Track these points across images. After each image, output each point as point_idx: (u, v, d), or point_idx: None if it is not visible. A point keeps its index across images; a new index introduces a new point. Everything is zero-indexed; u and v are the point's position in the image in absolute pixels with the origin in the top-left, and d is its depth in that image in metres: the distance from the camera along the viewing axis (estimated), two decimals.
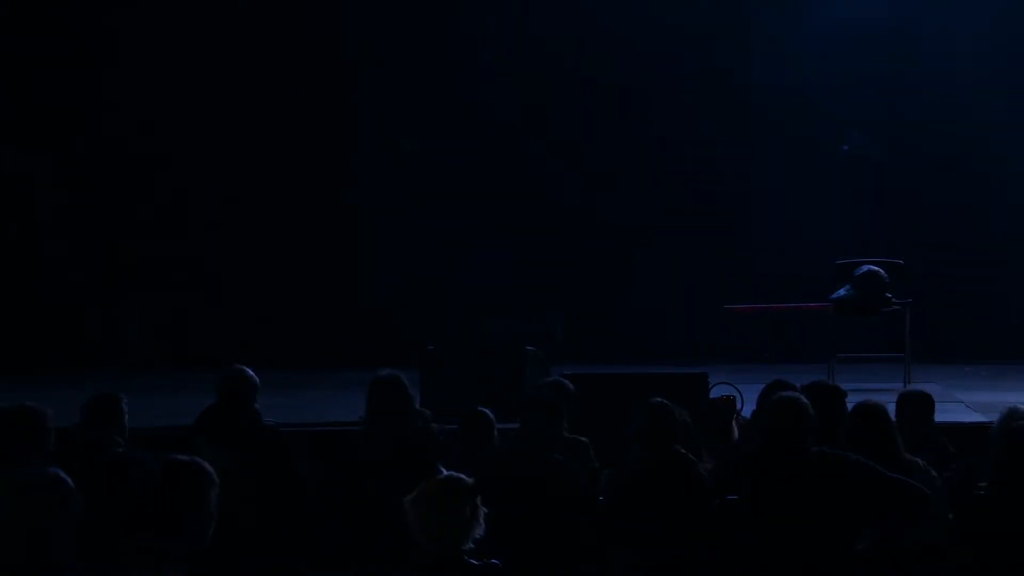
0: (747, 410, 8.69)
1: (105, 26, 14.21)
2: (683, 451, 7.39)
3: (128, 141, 14.25)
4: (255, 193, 14.26)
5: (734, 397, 9.10)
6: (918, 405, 7.87)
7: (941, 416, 7.41)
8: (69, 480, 5.65)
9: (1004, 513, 6.36)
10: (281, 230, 14.29)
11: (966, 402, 10.57)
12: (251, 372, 8.41)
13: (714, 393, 9.56)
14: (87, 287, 14.22)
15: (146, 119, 14.15)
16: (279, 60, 14.28)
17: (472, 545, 5.61)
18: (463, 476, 5.74)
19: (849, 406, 8.15)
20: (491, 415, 8.04)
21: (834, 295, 12.02)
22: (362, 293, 14.31)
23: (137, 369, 13.39)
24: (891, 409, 7.44)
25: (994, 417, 7.69)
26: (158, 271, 14.30)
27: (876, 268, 12.01)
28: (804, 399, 6.90)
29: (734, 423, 8.53)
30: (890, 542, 6.64)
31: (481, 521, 5.64)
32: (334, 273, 14.31)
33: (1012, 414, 7.46)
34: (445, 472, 5.88)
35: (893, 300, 11.94)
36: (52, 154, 14.29)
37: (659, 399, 7.52)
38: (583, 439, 8.02)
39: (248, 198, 14.26)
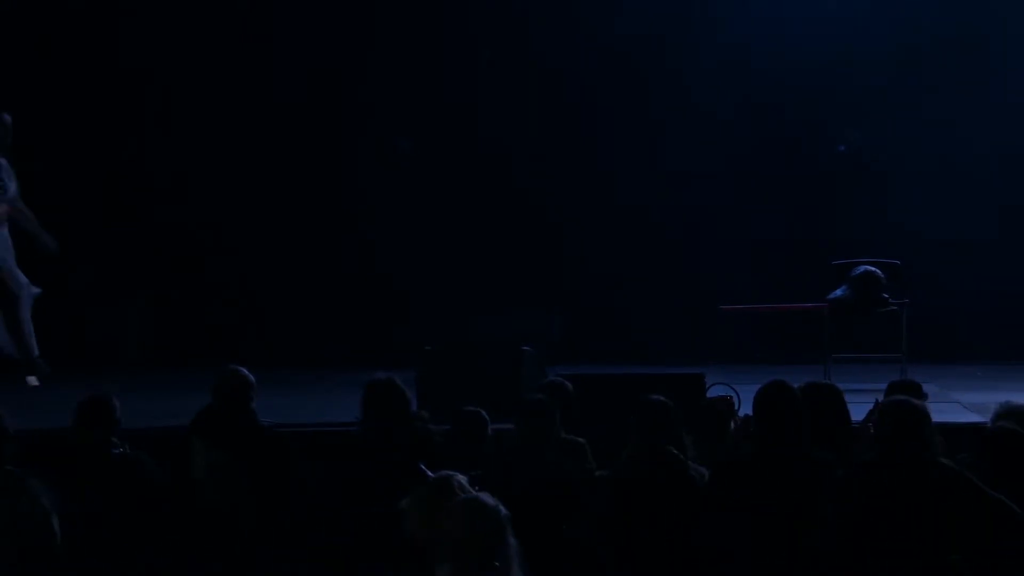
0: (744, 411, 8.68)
1: (103, 21, 14.19)
2: (675, 451, 7.39)
3: (127, 141, 14.24)
4: (252, 193, 14.25)
5: (731, 398, 9.09)
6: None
7: (937, 416, 7.37)
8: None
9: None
10: (278, 230, 14.29)
11: (962, 402, 10.57)
12: (247, 372, 8.40)
13: (711, 393, 9.56)
14: (85, 287, 14.19)
15: (146, 120, 14.14)
16: (274, 60, 14.27)
17: None
18: (458, 475, 5.74)
19: (849, 406, 8.20)
20: (484, 414, 8.04)
21: (831, 295, 12.03)
22: (359, 293, 14.29)
23: (135, 369, 13.38)
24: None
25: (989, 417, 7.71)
26: (155, 271, 14.29)
27: (872, 268, 12.02)
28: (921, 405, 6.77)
29: (731, 424, 8.52)
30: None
31: None
32: (331, 273, 14.30)
33: (1008, 410, 7.48)
34: (438, 473, 5.88)
35: (890, 300, 11.94)
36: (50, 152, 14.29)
37: (656, 396, 7.53)
38: (580, 440, 8.02)
39: (245, 198, 14.24)
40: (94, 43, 14.18)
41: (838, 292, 12.02)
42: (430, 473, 5.94)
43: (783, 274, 13.56)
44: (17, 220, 12.03)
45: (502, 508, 5.21)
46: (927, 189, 13.86)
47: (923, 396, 8.18)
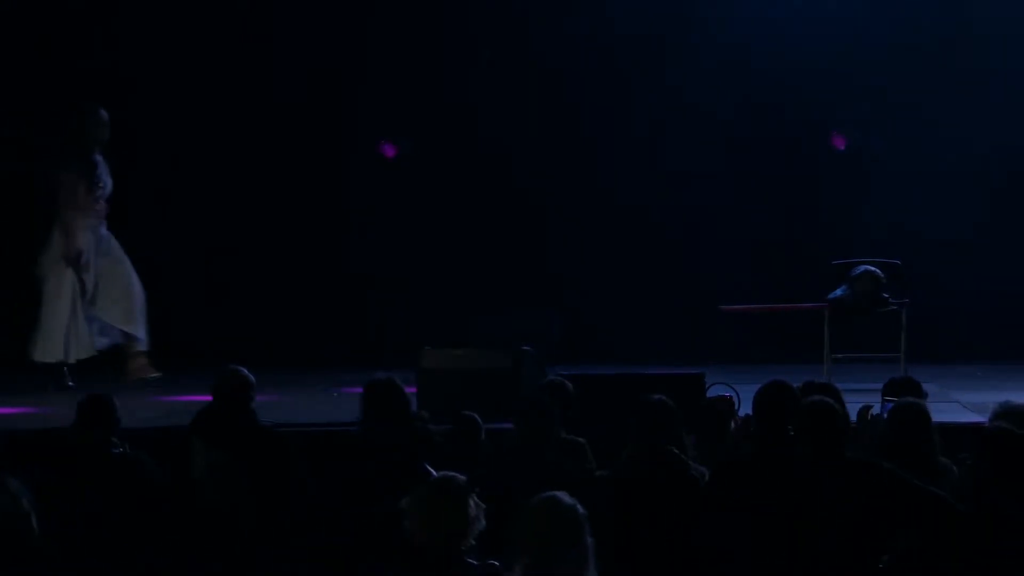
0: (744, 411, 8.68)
1: (102, 21, 14.20)
2: (676, 451, 7.39)
3: (126, 143, 14.23)
4: (251, 192, 14.25)
5: (731, 397, 9.09)
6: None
7: (937, 416, 7.40)
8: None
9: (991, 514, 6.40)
10: (278, 230, 14.29)
11: (962, 402, 10.57)
12: (247, 372, 8.41)
13: (711, 393, 9.56)
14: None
15: (146, 121, 14.14)
16: (275, 60, 14.27)
17: (473, 543, 5.62)
18: (458, 475, 5.75)
19: (848, 406, 8.20)
20: (478, 418, 8.03)
21: (831, 295, 12.04)
22: (359, 292, 14.29)
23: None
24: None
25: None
26: (155, 271, 14.27)
27: (873, 268, 12.02)
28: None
29: (731, 424, 8.52)
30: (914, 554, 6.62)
31: (482, 519, 5.65)
32: (331, 273, 14.30)
33: (1006, 410, 7.49)
34: (438, 473, 5.90)
35: (890, 300, 11.95)
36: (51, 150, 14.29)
37: (657, 396, 7.53)
38: (580, 440, 8.02)
39: (244, 197, 14.24)
40: (92, 42, 14.16)
41: (838, 292, 12.03)
42: (434, 472, 5.95)
43: (783, 274, 13.55)
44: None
45: (579, 507, 5.24)
46: (927, 189, 13.86)
47: (923, 394, 8.20)
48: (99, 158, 11.95)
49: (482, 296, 13.83)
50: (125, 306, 12.11)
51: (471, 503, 5.65)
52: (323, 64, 14.28)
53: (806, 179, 14.14)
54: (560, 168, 14.23)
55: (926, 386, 11.16)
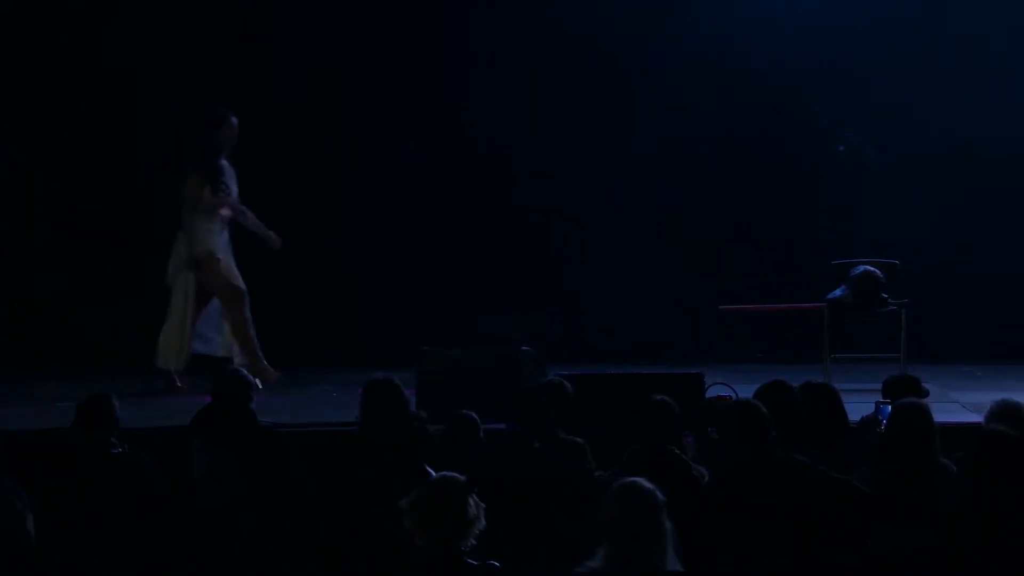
0: None
1: (100, 20, 14.19)
2: (676, 451, 7.39)
3: (129, 143, 14.25)
4: (250, 192, 14.23)
5: (731, 397, 9.10)
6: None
7: (937, 416, 7.40)
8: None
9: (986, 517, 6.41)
10: (277, 230, 14.27)
11: (961, 402, 10.57)
12: (246, 372, 8.43)
13: (710, 393, 9.57)
14: (85, 286, 14.20)
15: (145, 120, 14.15)
16: (266, 61, 14.28)
17: (474, 542, 5.63)
18: (458, 475, 5.75)
19: (848, 406, 8.21)
20: (476, 418, 8.03)
21: (830, 295, 12.04)
22: (359, 292, 14.29)
23: (136, 370, 13.38)
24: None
25: None
26: (155, 271, 14.28)
27: (872, 268, 12.02)
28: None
29: None
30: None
31: (482, 519, 5.66)
32: (331, 273, 14.29)
33: (1003, 407, 7.51)
34: (438, 474, 5.90)
35: (889, 300, 11.95)
36: (51, 153, 14.29)
37: (658, 396, 7.53)
38: (579, 440, 8.02)
39: (243, 196, 14.23)
40: (91, 42, 14.16)
41: (837, 292, 12.04)
42: (433, 472, 5.95)
43: (783, 274, 13.55)
44: (240, 221, 12.03)
45: (659, 493, 5.42)
46: (926, 189, 13.86)
47: (923, 392, 8.21)
48: (225, 163, 11.84)
49: (482, 296, 13.83)
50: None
51: (471, 503, 5.66)
52: (323, 64, 14.27)
53: (806, 179, 14.14)
54: (560, 168, 14.22)
55: (925, 386, 11.22)
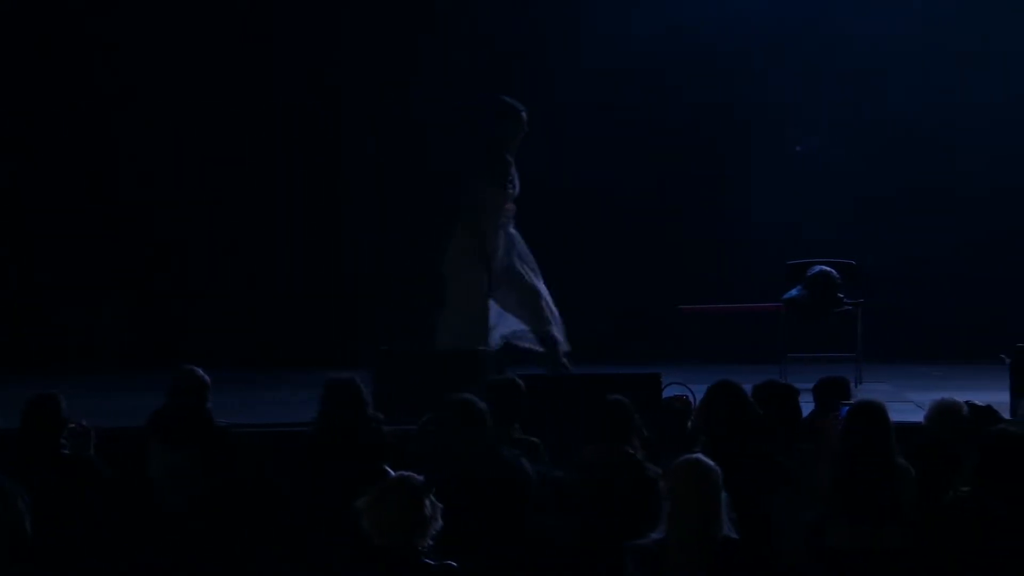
0: None
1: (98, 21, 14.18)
2: (632, 451, 7.41)
3: (106, 144, 14.24)
4: (213, 196, 14.25)
5: (688, 397, 9.12)
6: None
7: (892, 417, 7.44)
8: None
9: (982, 516, 6.44)
10: (239, 232, 14.28)
11: (916, 402, 10.62)
12: (202, 372, 8.39)
13: (667, 393, 9.59)
14: (58, 286, 14.17)
15: (127, 124, 14.14)
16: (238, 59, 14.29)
17: (431, 542, 5.63)
18: (415, 475, 5.76)
19: (805, 406, 8.26)
20: (437, 418, 8.00)
21: (786, 295, 12.09)
22: (323, 293, 14.27)
23: (107, 369, 13.36)
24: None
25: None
26: (133, 271, 14.27)
27: (828, 268, 12.07)
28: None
29: (689, 424, 8.55)
30: None
31: (439, 519, 5.67)
32: (296, 274, 14.29)
33: (941, 407, 7.55)
34: (395, 473, 5.90)
35: (845, 300, 12.00)
36: (33, 154, 14.26)
37: (615, 396, 7.55)
38: (535, 440, 8.03)
39: (207, 200, 14.24)
40: (89, 42, 14.14)
41: (793, 292, 12.08)
42: (391, 472, 5.96)
43: (741, 274, 13.58)
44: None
45: (717, 468, 5.86)
46: (880, 190, 13.94)
47: (850, 395, 8.26)
48: (511, 159, 11.60)
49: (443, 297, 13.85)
50: (533, 305, 11.71)
51: (427, 503, 5.67)
52: (323, 64, 14.29)
53: (764, 179, 14.16)
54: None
55: (881, 386, 11.28)
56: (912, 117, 13.84)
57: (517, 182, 11.49)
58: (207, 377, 8.37)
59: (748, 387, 8.10)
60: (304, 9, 14.30)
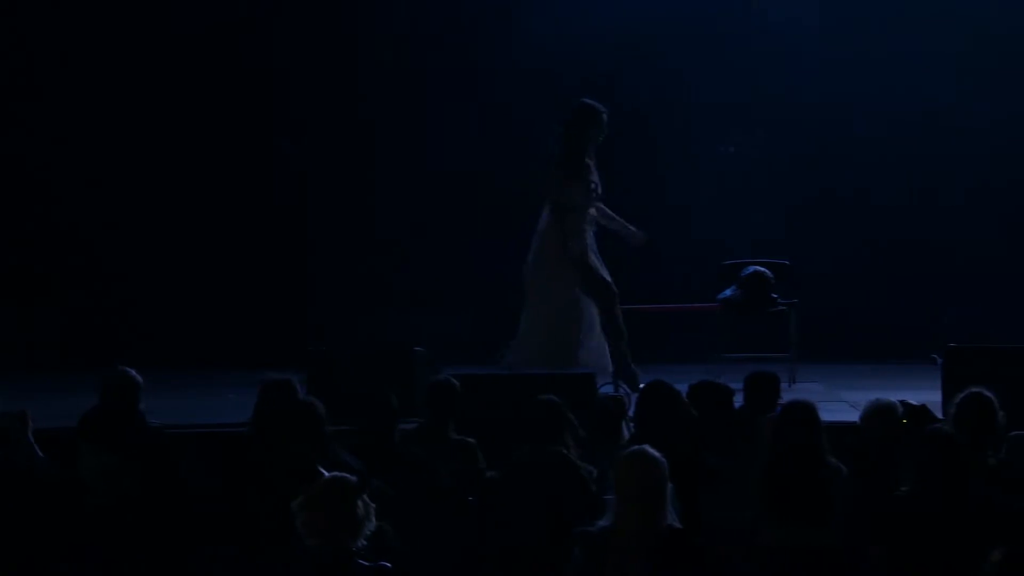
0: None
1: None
2: (565, 452, 7.42)
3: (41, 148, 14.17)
4: (151, 196, 14.19)
5: (622, 397, 9.14)
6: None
7: (825, 416, 7.48)
8: None
9: (924, 515, 6.49)
10: (177, 232, 14.22)
11: (849, 401, 10.68)
12: (134, 372, 8.34)
13: (601, 393, 9.60)
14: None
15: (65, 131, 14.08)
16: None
17: (364, 543, 5.64)
18: (348, 476, 5.77)
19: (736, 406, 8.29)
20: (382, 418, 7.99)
21: (720, 295, 12.13)
22: (255, 293, 14.22)
23: (44, 371, 13.27)
24: None
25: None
26: (62, 274, 14.19)
27: (762, 269, 12.13)
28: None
29: (623, 424, 8.56)
30: None
31: (372, 519, 5.67)
32: (228, 274, 14.23)
33: (876, 407, 7.60)
34: (329, 474, 5.90)
35: (779, 300, 12.06)
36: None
37: (548, 396, 7.56)
38: (470, 440, 8.03)
39: (144, 200, 14.18)
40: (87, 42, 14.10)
41: (727, 292, 12.13)
42: (326, 473, 5.97)
43: (676, 274, 13.61)
44: (602, 222, 11.60)
45: (663, 459, 6.06)
46: (815, 188, 14.01)
47: (779, 391, 8.29)
48: (591, 161, 11.44)
49: (384, 296, 13.85)
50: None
51: (360, 504, 5.66)
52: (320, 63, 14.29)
53: (699, 180, 14.19)
54: (463, 165, 14.23)
55: (814, 385, 11.34)
56: (839, 117, 13.93)
57: (600, 184, 11.40)
58: (139, 378, 8.32)
59: (684, 387, 8.15)
60: (304, 8, 14.31)
